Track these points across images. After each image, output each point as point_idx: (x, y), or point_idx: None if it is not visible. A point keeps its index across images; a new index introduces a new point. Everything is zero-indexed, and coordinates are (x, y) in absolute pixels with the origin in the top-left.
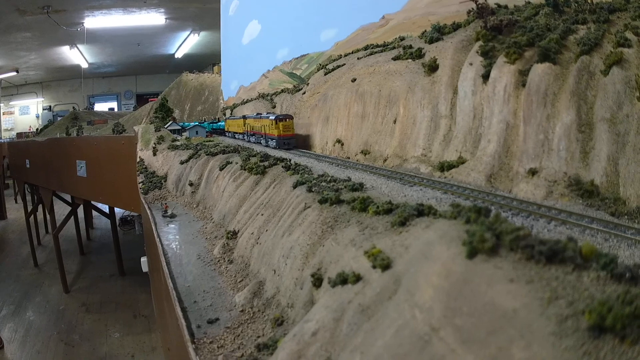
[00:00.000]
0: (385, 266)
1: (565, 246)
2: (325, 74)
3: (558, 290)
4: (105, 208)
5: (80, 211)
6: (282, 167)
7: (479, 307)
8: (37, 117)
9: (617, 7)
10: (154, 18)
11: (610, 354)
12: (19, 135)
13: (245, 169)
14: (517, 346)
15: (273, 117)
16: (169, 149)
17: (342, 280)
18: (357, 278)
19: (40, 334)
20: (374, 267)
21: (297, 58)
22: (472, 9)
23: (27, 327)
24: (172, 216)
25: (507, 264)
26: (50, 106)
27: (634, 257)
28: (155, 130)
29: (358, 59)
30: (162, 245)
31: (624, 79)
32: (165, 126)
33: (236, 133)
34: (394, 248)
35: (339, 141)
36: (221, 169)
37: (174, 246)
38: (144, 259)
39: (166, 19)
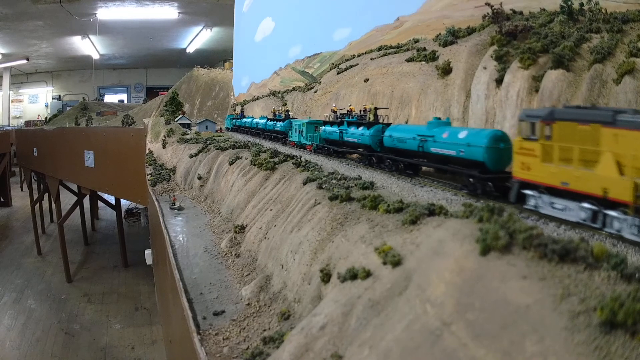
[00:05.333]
0: (396, 262)
1: (577, 246)
2: (337, 73)
3: (570, 288)
4: (111, 199)
5: (86, 201)
6: (293, 163)
7: (492, 302)
8: (46, 105)
9: (631, 18)
10: (167, 12)
11: (621, 349)
12: (27, 123)
13: (255, 165)
14: (529, 340)
15: None
16: (178, 142)
17: (352, 275)
18: (367, 274)
19: (40, 323)
20: (385, 263)
21: (309, 57)
22: (488, 13)
23: (28, 315)
24: (180, 209)
25: (520, 261)
26: (59, 95)
27: None
28: (165, 123)
29: (371, 59)
30: (169, 236)
31: (635, 89)
32: (176, 119)
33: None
34: (404, 245)
35: None
36: (231, 164)
37: (181, 238)
38: (148, 252)
39: (179, 13)
